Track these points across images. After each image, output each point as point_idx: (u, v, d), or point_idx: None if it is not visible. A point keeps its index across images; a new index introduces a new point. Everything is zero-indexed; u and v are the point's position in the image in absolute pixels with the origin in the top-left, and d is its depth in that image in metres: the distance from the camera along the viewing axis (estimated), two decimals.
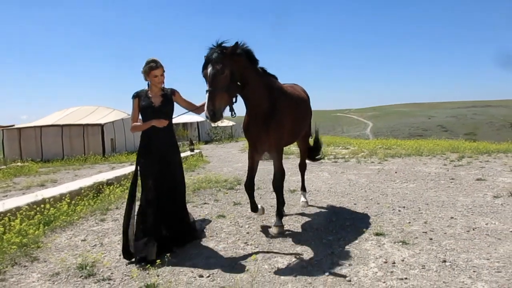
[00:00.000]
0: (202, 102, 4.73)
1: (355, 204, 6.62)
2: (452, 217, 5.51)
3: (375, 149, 15.39)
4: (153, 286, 3.64)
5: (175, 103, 4.88)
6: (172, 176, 4.78)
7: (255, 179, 5.52)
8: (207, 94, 4.23)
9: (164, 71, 4.72)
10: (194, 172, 11.77)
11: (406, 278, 3.60)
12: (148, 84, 4.76)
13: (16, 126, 22.66)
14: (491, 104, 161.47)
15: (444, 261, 3.95)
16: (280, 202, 5.40)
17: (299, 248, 4.59)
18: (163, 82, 4.75)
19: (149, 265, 4.06)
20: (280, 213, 5.38)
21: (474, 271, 3.69)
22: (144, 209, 4.61)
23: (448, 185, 7.81)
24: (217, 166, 13.35)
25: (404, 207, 6.23)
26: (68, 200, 6.53)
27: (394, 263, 3.97)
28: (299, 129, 5.76)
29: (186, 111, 4.94)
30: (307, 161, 7.05)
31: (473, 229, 4.94)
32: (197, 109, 4.93)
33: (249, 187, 5.38)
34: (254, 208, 5.49)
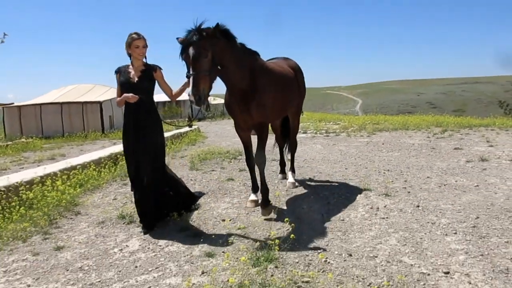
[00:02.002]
0: (179, 88, 4.74)
1: (346, 169, 7.58)
2: (428, 177, 6.52)
3: (364, 124, 16.33)
4: (186, 228, 4.57)
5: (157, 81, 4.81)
6: (153, 155, 4.73)
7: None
8: (191, 78, 4.10)
9: (146, 45, 4.65)
10: (195, 146, 12.63)
11: (387, 217, 4.62)
12: (130, 58, 4.71)
13: (15, 104, 23.16)
14: (480, 81, 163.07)
15: (418, 206, 4.98)
16: (264, 186, 5.23)
17: (300, 201, 5.56)
18: (144, 55, 4.66)
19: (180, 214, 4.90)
20: (266, 200, 5.16)
21: (440, 212, 4.71)
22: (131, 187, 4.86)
23: (429, 153, 8.80)
24: (215, 141, 14.18)
25: (388, 170, 7.23)
26: (94, 167, 7.39)
27: (378, 208, 4.98)
28: (283, 106, 5.63)
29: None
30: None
31: (444, 185, 5.95)
32: (173, 96, 4.86)
33: (248, 162, 5.47)
34: (254, 187, 5.52)
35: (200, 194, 6.00)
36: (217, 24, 4.29)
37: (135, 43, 4.55)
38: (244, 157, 5.53)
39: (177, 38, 4.32)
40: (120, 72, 4.72)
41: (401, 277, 3.02)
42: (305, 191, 6.11)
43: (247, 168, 7.78)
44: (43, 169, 6.75)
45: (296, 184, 6.44)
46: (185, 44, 4.18)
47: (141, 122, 4.64)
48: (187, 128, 16.80)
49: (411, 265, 3.37)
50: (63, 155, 12.67)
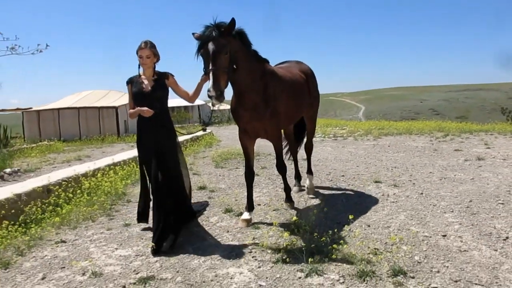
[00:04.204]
0: (195, 88, 4.67)
1: (357, 166, 8.53)
2: (430, 172, 7.48)
3: (370, 129, 17.25)
4: (230, 210, 5.51)
5: (170, 88, 4.74)
6: (165, 163, 4.61)
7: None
8: (210, 73, 3.99)
9: (151, 55, 4.52)
10: (213, 148, 13.61)
11: (396, 202, 5.60)
12: (138, 66, 4.62)
13: (34, 109, 24.19)
14: (483, 88, 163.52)
15: (421, 194, 5.95)
16: (287, 186, 5.60)
17: (321, 191, 6.51)
18: (150, 66, 4.56)
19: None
20: (289, 197, 5.60)
21: (440, 197, 5.69)
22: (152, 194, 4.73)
23: (431, 154, 9.74)
24: (230, 144, 15.07)
25: (395, 167, 8.18)
26: (134, 163, 8.34)
27: (388, 195, 5.95)
28: (296, 111, 5.56)
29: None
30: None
31: (444, 178, 6.91)
32: (190, 98, 4.79)
33: (249, 176, 5.14)
34: (250, 206, 5.10)
35: (203, 206, 5.94)
36: (233, 19, 4.18)
37: (139, 53, 4.49)
38: (244, 170, 5.21)
39: (193, 34, 4.26)
40: (132, 82, 4.64)
41: (414, 232, 4.00)
42: (324, 184, 7.04)
43: (267, 165, 8.78)
44: (93, 164, 7.74)
45: (315, 188, 6.55)
46: (203, 40, 4.11)
47: (156, 133, 4.58)
48: (201, 132, 17.81)
49: (417, 231, 4.34)
50: (88, 156, 13.60)
